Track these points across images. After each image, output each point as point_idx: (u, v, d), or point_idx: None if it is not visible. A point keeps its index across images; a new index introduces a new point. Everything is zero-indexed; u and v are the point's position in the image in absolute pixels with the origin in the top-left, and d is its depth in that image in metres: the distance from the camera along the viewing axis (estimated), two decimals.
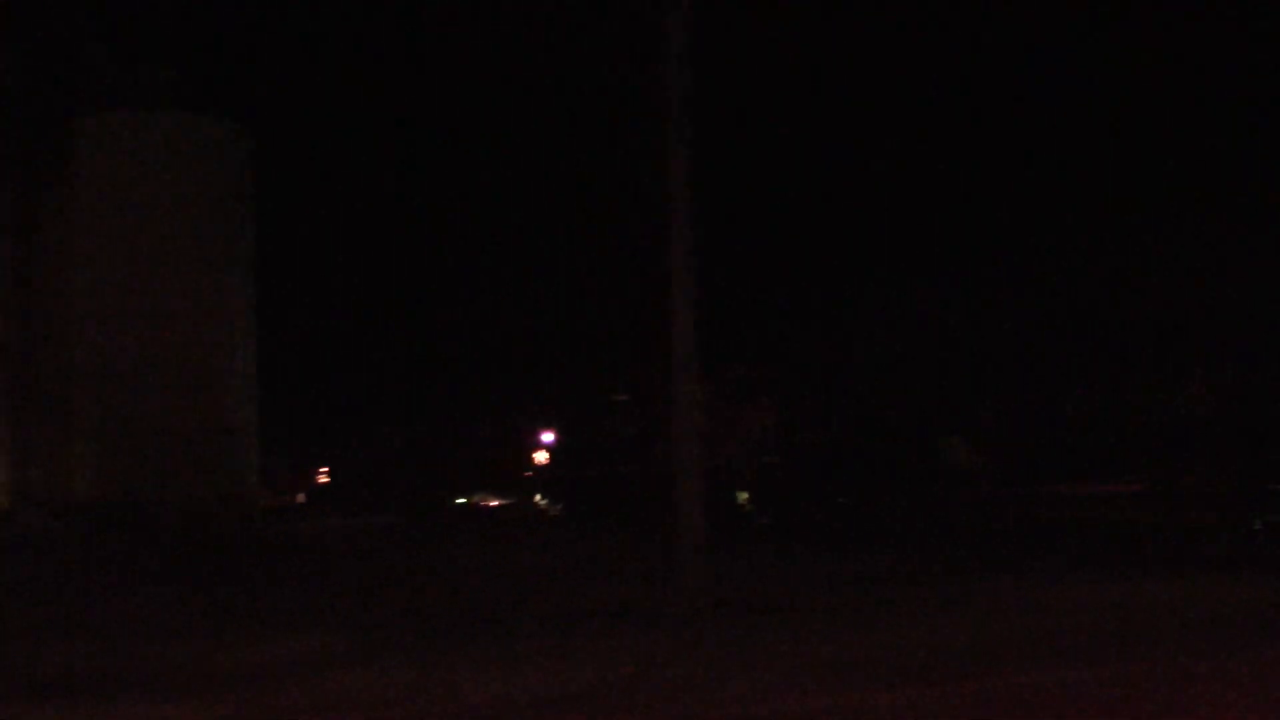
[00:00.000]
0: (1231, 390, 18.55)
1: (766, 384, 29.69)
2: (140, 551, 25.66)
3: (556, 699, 7.32)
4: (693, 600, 10.93)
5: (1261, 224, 18.59)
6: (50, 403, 48.22)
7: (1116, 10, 36.77)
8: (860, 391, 26.75)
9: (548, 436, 41.95)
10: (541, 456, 43.33)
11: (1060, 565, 15.02)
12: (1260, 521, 17.20)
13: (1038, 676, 7.63)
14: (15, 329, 49.82)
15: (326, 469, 68.20)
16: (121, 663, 9.31)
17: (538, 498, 41.71)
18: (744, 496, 29.49)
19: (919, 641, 9.12)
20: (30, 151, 48.24)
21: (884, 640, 9.23)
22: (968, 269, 26.22)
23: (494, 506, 46.61)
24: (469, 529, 33.92)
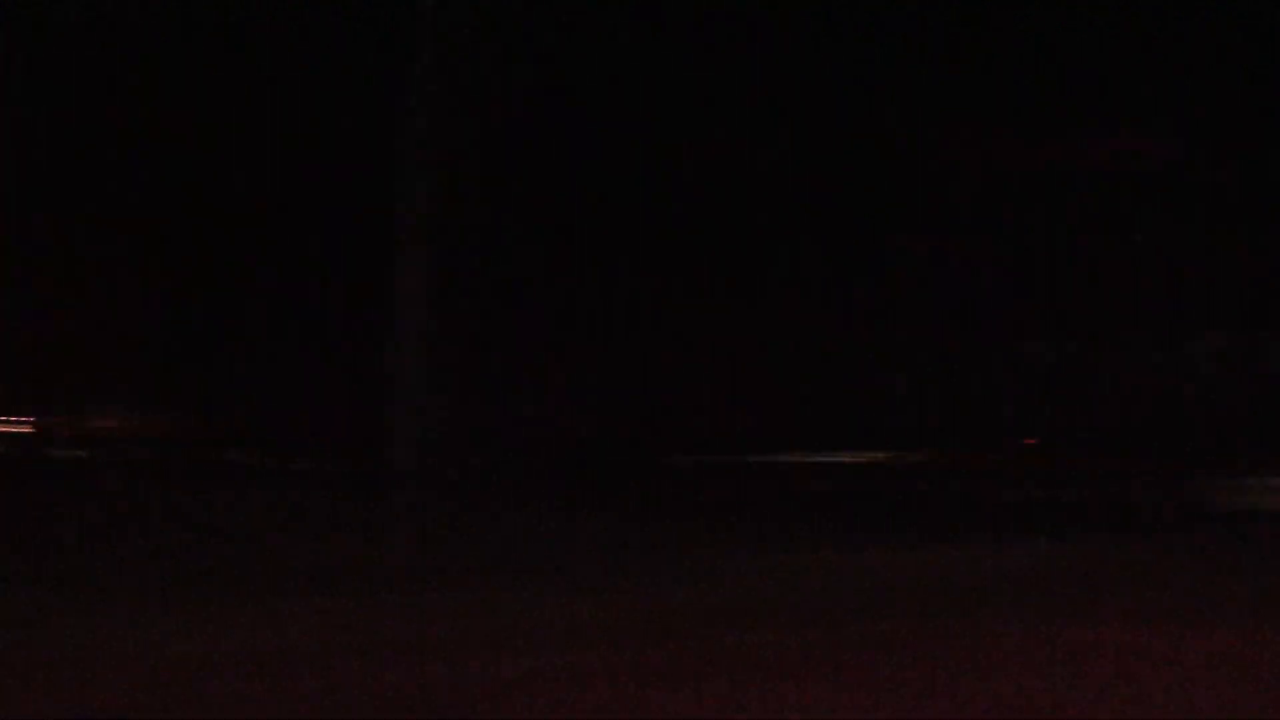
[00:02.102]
0: None
1: None
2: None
3: (244, 659, 6.60)
4: (406, 559, 9.66)
5: None
6: None
7: None
8: None
9: None
10: None
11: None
12: None
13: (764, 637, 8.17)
14: None
15: None
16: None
17: None
18: None
19: (648, 604, 8.66)
20: None
21: (609, 603, 8.85)
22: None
23: None
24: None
